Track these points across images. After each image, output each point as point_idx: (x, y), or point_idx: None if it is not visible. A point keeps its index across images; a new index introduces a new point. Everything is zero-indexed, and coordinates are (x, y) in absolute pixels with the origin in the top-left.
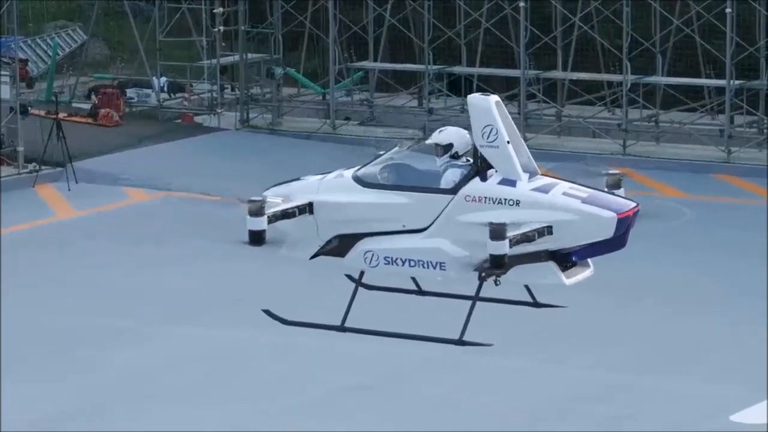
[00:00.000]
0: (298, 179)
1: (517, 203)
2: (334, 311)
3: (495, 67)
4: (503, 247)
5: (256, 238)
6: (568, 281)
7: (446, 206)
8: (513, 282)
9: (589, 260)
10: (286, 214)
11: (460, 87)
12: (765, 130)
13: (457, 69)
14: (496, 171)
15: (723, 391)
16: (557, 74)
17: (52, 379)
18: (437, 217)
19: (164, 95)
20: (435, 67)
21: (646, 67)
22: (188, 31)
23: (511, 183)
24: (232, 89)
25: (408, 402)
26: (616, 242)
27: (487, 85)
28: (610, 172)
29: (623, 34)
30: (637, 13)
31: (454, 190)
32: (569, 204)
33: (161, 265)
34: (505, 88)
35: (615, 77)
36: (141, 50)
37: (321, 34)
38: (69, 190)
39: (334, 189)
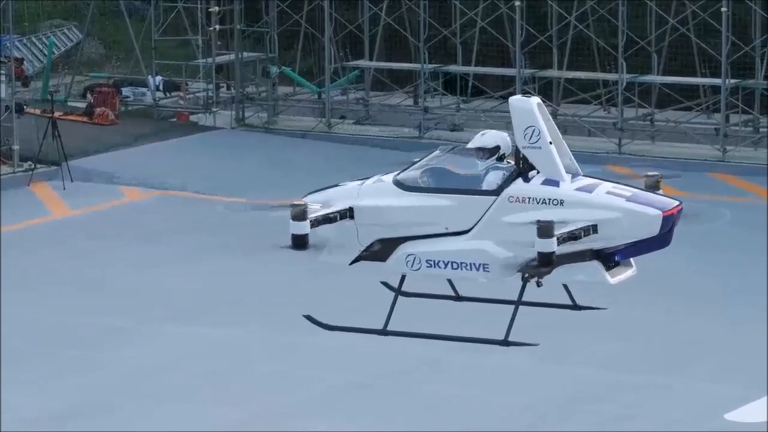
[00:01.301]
0: (336, 185)
1: (561, 203)
2: (338, 307)
3: (491, 66)
4: (551, 245)
5: (299, 242)
6: (612, 280)
7: (489, 207)
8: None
9: (631, 260)
10: (327, 219)
11: (455, 86)
12: (760, 129)
13: (452, 68)
14: (538, 172)
15: (724, 390)
16: (553, 73)
17: (52, 378)
18: (480, 219)
19: (160, 94)
20: (430, 66)
21: (641, 66)
22: (184, 30)
23: (555, 183)
24: (228, 88)
25: (408, 401)
26: (660, 240)
27: (482, 84)
28: (649, 173)
29: (619, 32)
30: (633, 12)
31: (497, 192)
32: (614, 202)
33: (158, 264)
34: (501, 87)
35: (610, 76)
36: (136, 49)
37: (316, 33)
38: (64, 188)
39: (375, 193)
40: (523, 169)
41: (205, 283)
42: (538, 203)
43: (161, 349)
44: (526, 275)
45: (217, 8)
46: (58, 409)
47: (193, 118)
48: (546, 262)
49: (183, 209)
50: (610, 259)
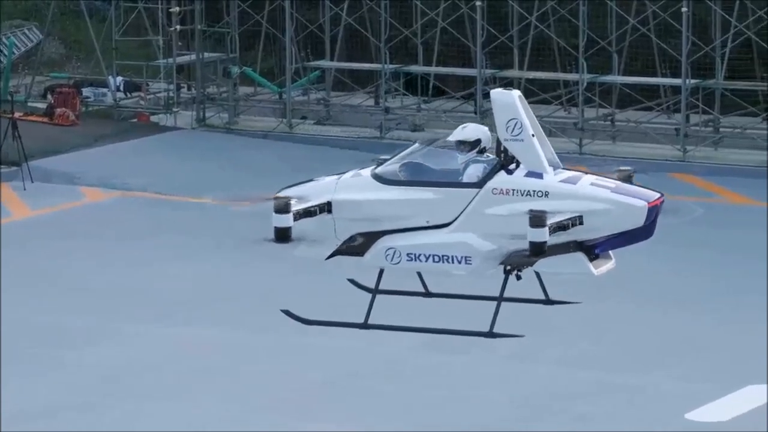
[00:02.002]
0: (311, 180)
1: (546, 194)
2: (317, 304)
3: (451, 67)
4: (543, 235)
5: (282, 235)
6: (596, 272)
7: (472, 200)
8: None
9: (610, 253)
10: (308, 213)
11: (416, 86)
12: (720, 129)
13: (413, 68)
14: (518, 165)
15: (685, 389)
16: (513, 73)
17: (34, 377)
18: (462, 212)
19: (120, 94)
20: (391, 66)
21: (602, 67)
22: (144, 31)
23: (538, 175)
24: (189, 88)
25: (377, 401)
26: (644, 231)
27: (443, 85)
28: (621, 168)
29: (579, 33)
30: (594, 12)
31: (480, 184)
32: (600, 194)
33: (120, 264)
34: (462, 87)
35: (571, 76)
36: (97, 49)
37: (278, 33)
38: (24, 189)
39: (354, 187)
40: (505, 161)
41: (178, 282)
42: (522, 195)
43: (143, 348)
44: (509, 267)
45: (177, 9)
46: (30, 407)
47: (153, 118)
48: (538, 252)
49: (145, 210)
50: (590, 251)
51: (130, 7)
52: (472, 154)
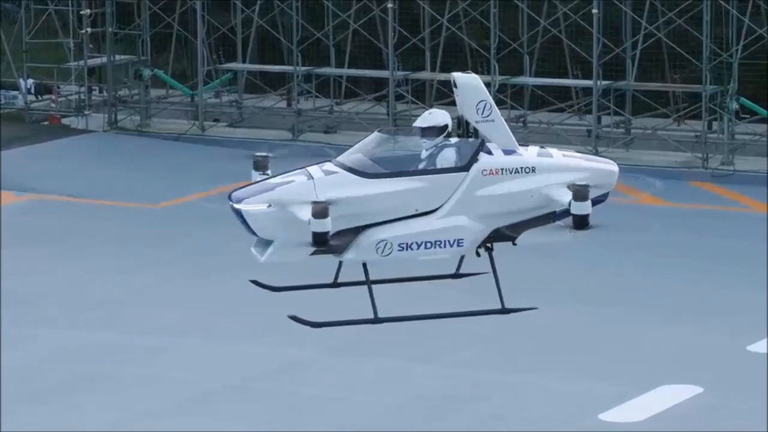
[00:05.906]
0: (264, 181)
1: (533, 170)
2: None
3: (364, 68)
4: (587, 208)
5: (321, 240)
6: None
7: (461, 183)
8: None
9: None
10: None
11: (328, 88)
12: (632, 131)
13: (325, 70)
14: (489, 144)
15: (598, 389)
16: (425, 75)
17: None
18: (451, 196)
19: (31, 97)
20: (303, 68)
21: (513, 68)
22: (55, 33)
23: (512, 153)
24: (100, 91)
25: (277, 403)
26: (606, 196)
27: (355, 86)
28: (542, 146)
29: (491, 34)
30: (505, 14)
31: (466, 168)
32: (580, 164)
33: (32, 267)
34: (374, 89)
35: (483, 78)
36: (7, 52)
37: (189, 36)
38: None
39: (337, 185)
40: (482, 142)
41: (77, 285)
42: (511, 173)
43: (33, 352)
44: (490, 246)
45: (88, 11)
46: None
47: (65, 121)
48: (583, 225)
49: (59, 213)
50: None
51: (40, 9)
52: (440, 138)
